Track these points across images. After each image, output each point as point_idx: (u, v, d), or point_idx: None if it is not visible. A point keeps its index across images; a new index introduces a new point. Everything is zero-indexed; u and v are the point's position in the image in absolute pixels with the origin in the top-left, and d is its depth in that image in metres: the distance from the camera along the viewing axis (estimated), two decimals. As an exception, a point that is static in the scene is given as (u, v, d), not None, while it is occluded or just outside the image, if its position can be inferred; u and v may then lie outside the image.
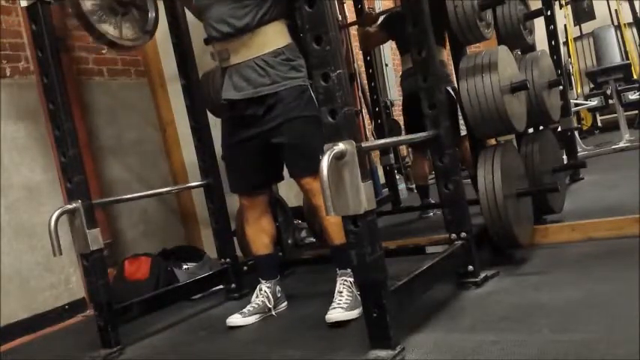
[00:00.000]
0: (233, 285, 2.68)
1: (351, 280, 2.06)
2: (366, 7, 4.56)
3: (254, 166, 2.21)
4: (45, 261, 2.88)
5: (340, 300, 2.02)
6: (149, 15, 2.46)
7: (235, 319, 2.21)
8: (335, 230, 2.06)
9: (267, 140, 2.13)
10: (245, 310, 2.24)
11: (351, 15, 4.95)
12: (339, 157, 1.51)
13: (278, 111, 2.07)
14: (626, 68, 6.23)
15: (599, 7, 7.59)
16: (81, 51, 3.34)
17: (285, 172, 2.26)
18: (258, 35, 2.06)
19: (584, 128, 7.21)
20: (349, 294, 2.03)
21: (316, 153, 1.59)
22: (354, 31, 5.29)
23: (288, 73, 2.07)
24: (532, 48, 3.00)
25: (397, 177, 4.63)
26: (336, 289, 2.07)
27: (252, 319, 2.21)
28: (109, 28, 2.27)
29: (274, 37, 2.08)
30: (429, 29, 2.09)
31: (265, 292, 2.26)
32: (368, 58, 4.50)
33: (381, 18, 4.12)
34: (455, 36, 2.29)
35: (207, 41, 2.54)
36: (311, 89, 2.08)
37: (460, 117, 3.02)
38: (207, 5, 2.13)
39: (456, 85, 2.45)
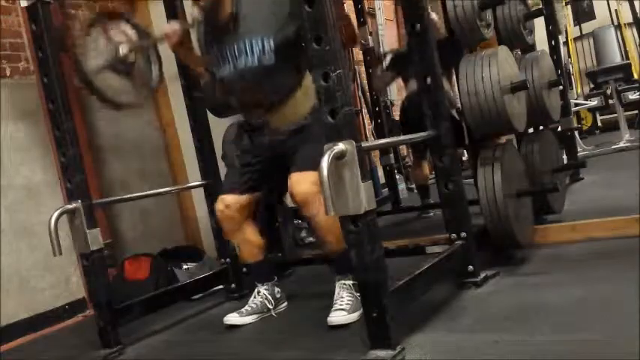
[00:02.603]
0: (233, 285, 2.68)
1: (350, 282, 2.05)
2: (366, 7, 4.56)
3: (254, 168, 2.20)
4: (45, 261, 2.88)
5: (341, 302, 2.01)
6: (152, 71, 2.44)
7: (233, 318, 2.21)
8: (332, 238, 2.03)
9: (276, 151, 2.13)
10: (243, 309, 2.23)
11: (350, 15, 4.93)
12: (339, 157, 1.51)
13: (296, 141, 2.07)
14: (626, 68, 6.23)
15: (599, 7, 7.59)
16: (81, 51, 3.33)
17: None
18: (292, 103, 2.08)
19: (584, 128, 7.19)
20: (349, 296, 2.02)
21: (316, 153, 1.57)
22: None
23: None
24: (532, 48, 3.00)
25: (397, 177, 4.63)
26: (336, 291, 2.06)
27: (249, 319, 2.21)
28: (112, 90, 2.26)
29: (302, 102, 2.08)
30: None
31: (264, 294, 2.25)
32: (368, 58, 4.50)
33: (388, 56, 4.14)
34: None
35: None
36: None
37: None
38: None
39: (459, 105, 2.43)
